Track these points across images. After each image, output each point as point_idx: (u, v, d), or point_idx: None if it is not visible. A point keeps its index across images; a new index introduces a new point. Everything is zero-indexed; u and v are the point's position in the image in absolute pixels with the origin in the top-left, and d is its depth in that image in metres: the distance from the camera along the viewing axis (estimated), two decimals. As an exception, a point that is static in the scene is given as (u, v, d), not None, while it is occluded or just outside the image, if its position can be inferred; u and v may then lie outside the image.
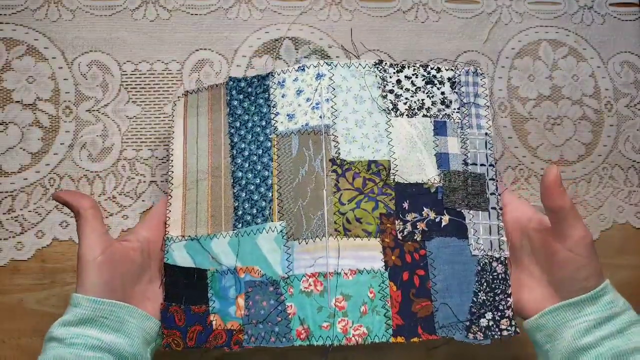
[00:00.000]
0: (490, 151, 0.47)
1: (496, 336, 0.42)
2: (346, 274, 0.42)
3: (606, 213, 0.60)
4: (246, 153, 0.47)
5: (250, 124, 0.48)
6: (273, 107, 0.48)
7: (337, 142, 0.45)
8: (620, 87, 0.63)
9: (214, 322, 0.44)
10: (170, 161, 0.49)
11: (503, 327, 0.43)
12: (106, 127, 0.54)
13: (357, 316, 0.41)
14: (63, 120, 0.54)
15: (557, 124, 0.61)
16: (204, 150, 0.48)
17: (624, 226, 0.60)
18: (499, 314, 0.43)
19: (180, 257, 0.46)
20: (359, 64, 0.48)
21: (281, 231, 0.44)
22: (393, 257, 0.43)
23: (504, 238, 0.45)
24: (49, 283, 0.51)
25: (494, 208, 0.45)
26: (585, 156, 0.61)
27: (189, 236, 0.46)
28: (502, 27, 0.62)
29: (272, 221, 0.45)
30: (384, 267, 0.43)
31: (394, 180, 0.45)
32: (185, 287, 0.45)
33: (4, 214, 0.52)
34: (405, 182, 0.45)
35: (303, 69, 0.48)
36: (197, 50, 0.57)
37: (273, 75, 0.49)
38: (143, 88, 0.56)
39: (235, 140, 0.48)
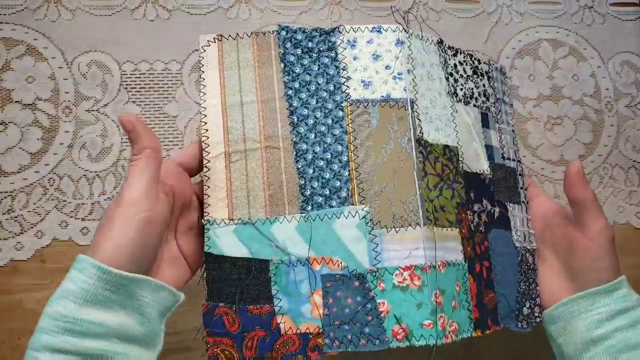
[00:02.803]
0: (516, 147, 0.48)
1: (533, 323, 0.42)
2: (438, 267, 0.37)
3: (607, 213, 0.60)
4: (310, 121, 0.40)
5: (313, 87, 0.41)
6: (343, 69, 0.41)
7: (419, 120, 0.40)
8: (621, 87, 0.63)
9: (282, 325, 0.36)
10: (203, 124, 0.40)
11: (537, 314, 0.42)
12: (106, 127, 0.54)
13: (451, 311, 0.37)
14: (63, 120, 0.54)
15: (557, 124, 0.61)
16: (251, 113, 0.40)
17: (624, 226, 0.60)
18: (533, 302, 0.43)
19: (229, 245, 0.37)
20: (427, 38, 0.44)
21: (364, 217, 0.38)
22: (469, 249, 0.40)
23: (532, 230, 0.45)
24: (49, 283, 0.51)
25: (523, 202, 0.46)
26: (586, 156, 0.61)
27: (240, 219, 0.38)
28: (502, 27, 0.62)
29: (351, 204, 0.38)
30: (464, 259, 0.39)
31: (462, 168, 0.42)
32: (238, 283, 0.37)
33: (3, 214, 0.52)
34: (470, 171, 0.43)
35: (379, 31, 0.41)
36: (197, 50, 0.57)
37: (340, 32, 0.42)
38: (143, 88, 0.56)
39: (295, 104, 0.40)
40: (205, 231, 0.38)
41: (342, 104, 0.40)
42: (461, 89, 0.45)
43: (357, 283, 0.37)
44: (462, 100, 0.45)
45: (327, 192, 0.39)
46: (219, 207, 0.38)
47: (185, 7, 0.58)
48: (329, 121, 0.40)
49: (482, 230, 0.42)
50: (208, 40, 0.42)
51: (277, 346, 0.36)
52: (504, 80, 0.50)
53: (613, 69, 0.63)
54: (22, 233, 0.52)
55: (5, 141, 0.53)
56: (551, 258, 0.44)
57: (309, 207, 0.38)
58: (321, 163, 0.39)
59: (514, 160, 0.47)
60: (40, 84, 0.54)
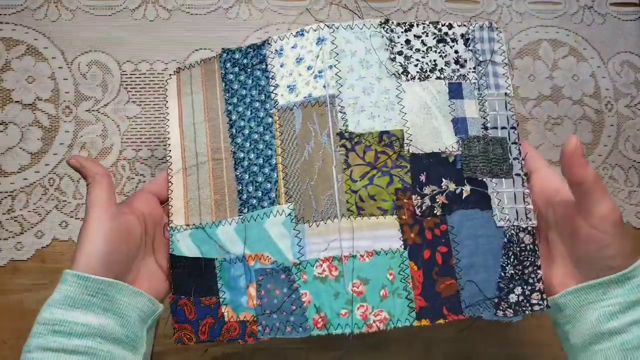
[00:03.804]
0: (511, 112, 0.43)
1: (527, 311, 0.39)
2: (362, 257, 0.39)
3: (606, 213, 0.60)
4: (246, 131, 0.43)
5: (248, 99, 0.44)
6: (272, 78, 0.44)
7: (344, 112, 0.41)
8: (621, 87, 0.63)
9: (225, 314, 0.41)
10: (167, 145, 0.45)
11: (534, 301, 0.39)
12: (106, 127, 0.54)
13: (377, 301, 0.39)
14: (63, 120, 0.54)
15: (557, 124, 0.61)
16: (201, 132, 0.45)
17: (624, 226, 0.60)
18: (529, 287, 0.39)
19: (186, 247, 0.43)
20: (363, 24, 0.44)
21: (289, 214, 0.41)
22: (412, 235, 0.40)
23: (531, 206, 0.41)
24: (49, 283, 0.51)
25: (518, 174, 0.42)
26: (586, 156, 0.61)
27: (194, 224, 0.43)
28: (502, 27, 0.62)
29: (279, 204, 0.41)
30: (402, 246, 0.40)
31: (408, 152, 0.41)
32: (194, 279, 0.42)
33: (3, 214, 0.52)
34: (421, 152, 0.42)
35: (302, 34, 0.43)
36: (197, 50, 0.57)
37: (269, 43, 0.45)
38: (143, 88, 0.56)
39: (234, 118, 0.44)
40: (170, 236, 0.43)
41: (271, 111, 0.43)
42: (416, 65, 0.43)
43: (283, 276, 0.40)
44: (418, 77, 0.43)
45: (260, 194, 0.42)
46: (179, 215, 0.44)
47: (185, 7, 0.58)
48: (261, 129, 0.43)
49: (438, 213, 0.41)
50: (170, 74, 0.47)
51: (223, 332, 0.41)
52: (495, 36, 0.45)
53: (613, 69, 0.63)
54: (22, 233, 0.52)
55: (5, 141, 0.53)
56: (555, 239, 0.40)
57: (245, 210, 0.42)
58: (255, 168, 0.43)
59: (504, 128, 0.43)
60: (40, 84, 0.54)
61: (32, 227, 0.52)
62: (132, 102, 0.55)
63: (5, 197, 0.52)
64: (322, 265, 0.40)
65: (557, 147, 0.61)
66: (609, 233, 0.36)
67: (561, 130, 0.61)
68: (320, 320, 0.39)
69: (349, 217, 0.40)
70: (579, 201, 0.37)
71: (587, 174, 0.36)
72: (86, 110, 0.55)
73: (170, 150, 0.45)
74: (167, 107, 0.46)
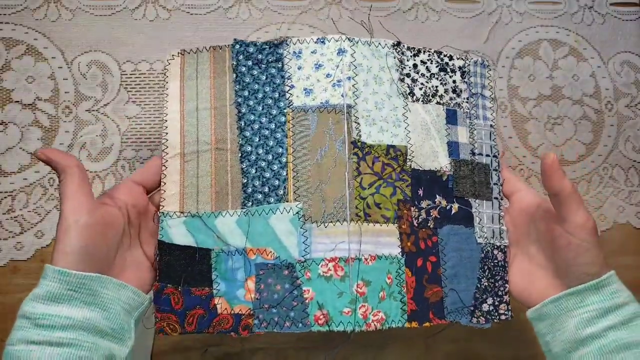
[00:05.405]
0: (494, 142, 0.48)
1: (495, 320, 0.44)
2: (366, 260, 0.41)
3: (607, 213, 0.60)
4: (256, 126, 0.44)
5: (260, 95, 0.45)
6: (288, 78, 0.45)
7: (358, 123, 0.44)
8: (621, 87, 0.63)
9: (218, 306, 0.41)
10: (164, 127, 0.44)
11: (501, 311, 0.44)
12: (106, 127, 0.54)
13: (376, 302, 0.41)
14: (63, 120, 0.54)
15: (557, 124, 0.61)
16: (205, 119, 0.44)
17: (624, 226, 0.60)
18: (498, 299, 0.44)
19: (179, 234, 0.42)
20: (379, 43, 0.46)
21: (297, 212, 0.42)
22: (409, 244, 0.43)
23: (504, 227, 0.46)
24: (49, 283, 0.51)
25: (496, 198, 0.47)
26: (586, 156, 0.61)
27: (189, 212, 0.43)
28: (502, 27, 0.62)
29: (287, 201, 0.42)
30: (400, 253, 0.42)
31: (410, 167, 0.44)
32: (184, 268, 0.42)
33: (3, 214, 0.52)
34: (421, 168, 0.45)
35: (323, 42, 0.45)
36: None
37: (287, 44, 0.46)
38: (143, 88, 0.56)
39: (244, 111, 0.44)
40: (160, 222, 0.42)
41: (285, 110, 0.44)
42: (421, 88, 0.47)
43: (286, 272, 0.41)
44: (422, 99, 0.47)
45: (267, 189, 0.43)
46: (172, 201, 0.43)
47: (185, 7, 0.58)
48: (272, 126, 0.44)
49: (431, 226, 0.44)
50: (172, 55, 0.46)
51: (214, 324, 0.41)
52: (486, 72, 0.50)
53: (613, 69, 0.63)
54: (22, 233, 0.52)
55: (5, 141, 0.53)
56: (537, 254, 0.43)
57: (250, 204, 0.43)
58: (263, 164, 0.43)
59: (488, 155, 0.47)
60: (40, 84, 0.54)
61: (32, 227, 0.52)
62: (132, 102, 0.55)
63: (5, 197, 0.52)
64: (327, 264, 0.41)
65: (557, 147, 0.61)
66: (585, 240, 0.39)
67: (561, 130, 0.61)
68: (322, 317, 0.40)
69: (357, 221, 0.42)
70: (557, 210, 0.40)
71: (565, 184, 0.39)
72: (86, 110, 0.55)
73: (167, 133, 0.44)
74: (167, 89, 0.45)
